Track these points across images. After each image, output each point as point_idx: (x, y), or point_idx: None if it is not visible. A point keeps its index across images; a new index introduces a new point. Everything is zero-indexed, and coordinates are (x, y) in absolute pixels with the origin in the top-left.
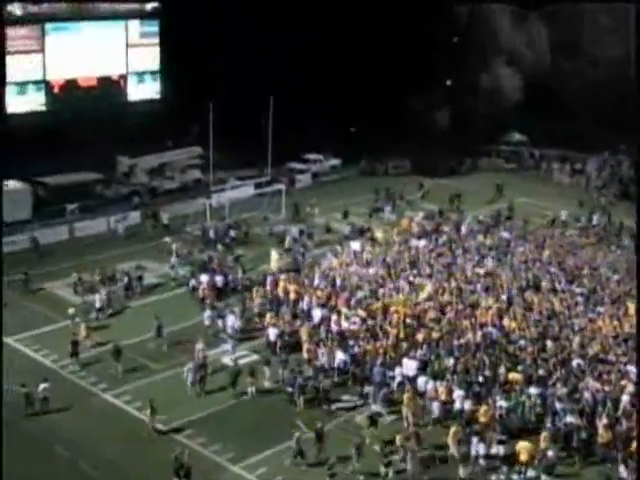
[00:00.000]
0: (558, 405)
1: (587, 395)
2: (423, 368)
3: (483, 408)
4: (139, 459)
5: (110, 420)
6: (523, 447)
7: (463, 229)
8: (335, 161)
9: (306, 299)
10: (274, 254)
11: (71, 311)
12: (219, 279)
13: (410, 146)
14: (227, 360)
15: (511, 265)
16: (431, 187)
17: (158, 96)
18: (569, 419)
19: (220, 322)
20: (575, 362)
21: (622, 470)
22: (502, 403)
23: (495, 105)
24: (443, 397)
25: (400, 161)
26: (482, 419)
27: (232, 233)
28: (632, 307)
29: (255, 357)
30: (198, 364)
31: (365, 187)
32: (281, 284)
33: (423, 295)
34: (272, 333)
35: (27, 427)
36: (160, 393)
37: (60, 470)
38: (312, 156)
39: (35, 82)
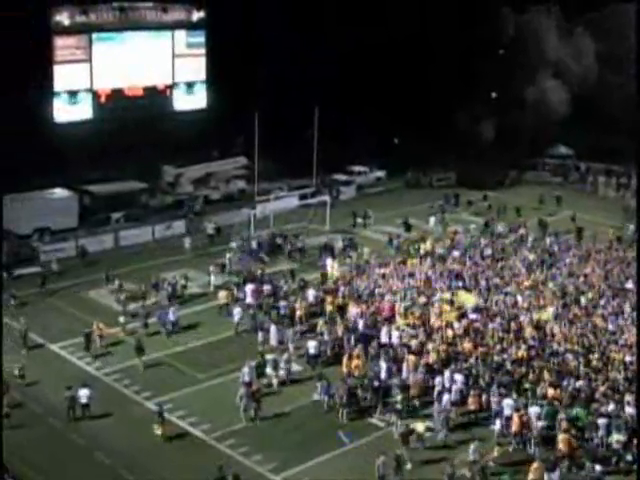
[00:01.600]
0: (602, 421)
1: (630, 411)
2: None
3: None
4: (180, 468)
5: (152, 428)
6: None
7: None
8: (380, 173)
9: (353, 310)
10: (333, 263)
11: (122, 320)
12: (267, 288)
13: (455, 158)
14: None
15: (559, 278)
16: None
17: (204, 106)
18: (616, 437)
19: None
20: (619, 377)
21: None
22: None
23: (541, 118)
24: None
25: (445, 173)
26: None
27: (279, 242)
28: None
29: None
30: (249, 391)
31: (410, 198)
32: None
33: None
34: (312, 346)
35: (69, 433)
36: (204, 402)
37: (100, 478)
38: (357, 168)
39: (82, 91)
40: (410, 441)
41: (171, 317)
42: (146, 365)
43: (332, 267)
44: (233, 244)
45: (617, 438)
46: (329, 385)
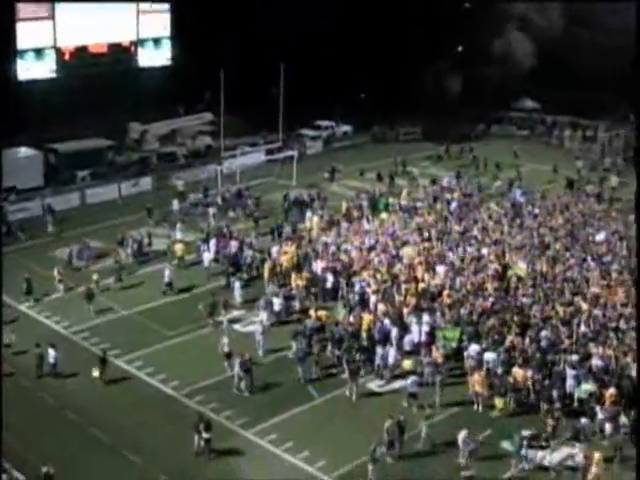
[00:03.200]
0: (570, 372)
1: (596, 362)
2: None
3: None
4: (150, 425)
5: (122, 386)
6: None
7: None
8: (346, 127)
9: (319, 264)
10: (314, 217)
11: (95, 277)
12: (234, 244)
13: (421, 112)
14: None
15: (525, 231)
16: (441, 153)
17: (169, 63)
18: (584, 387)
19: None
20: (585, 329)
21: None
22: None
23: (507, 72)
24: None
25: (411, 127)
26: None
27: (246, 199)
28: None
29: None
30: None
31: (377, 153)
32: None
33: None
34: (276, 303)
35: (38, 392)
36: (173, 359)
37: (70, 435)
38: (323, 122)
39: (46, 49)
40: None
41: (166, 278)
42: (115, 322)
43: (310, 220)
44: (184, 202)
45: (586, 388)
46: (304, 342)
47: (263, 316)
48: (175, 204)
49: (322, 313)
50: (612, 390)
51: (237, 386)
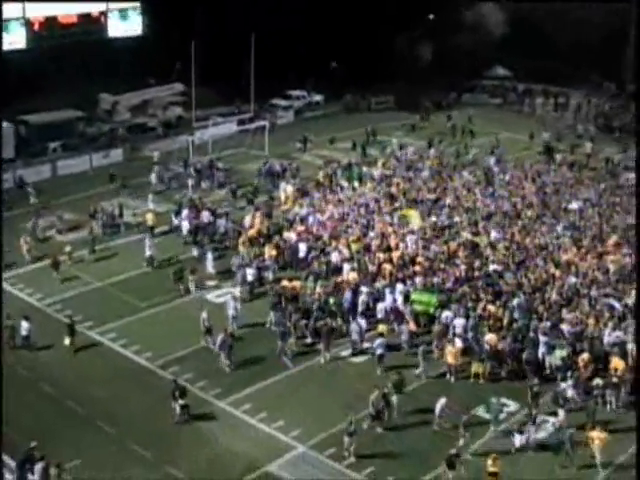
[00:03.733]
0: (542, 338)
1: (567, 328)
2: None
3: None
4: (125, 396)
5: (96, 358)
6: None
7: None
8: (318, 97)
9: (292, 234)
10: (288, 187)
11: (68, 248)
12: (206, 215)
13: (393, 82)
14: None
15: (496, 198)
16: (415, 123)
17: (139, 33)
18: (558, 353)
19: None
20: (556, 295)
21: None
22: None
23: (479, 40)
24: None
25: (383, 97)
26: None
27: (217, 171)
28: (612, 241)
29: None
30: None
31: (349, 123)
32: None
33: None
34: (249, 273)
35: (12, 364)
36: (146, 330)
37: (45, 408)
38: (295, 92)
39: (15, 20)
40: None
41: (148, 251)
42: (89, 294)
43: (285, 191)
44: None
45: (560, 354)
46: (282, 314)
47: (237, 291)
48: (153, 177)
49: (296, 283)
50: (585, 356)
51: (220, 361)
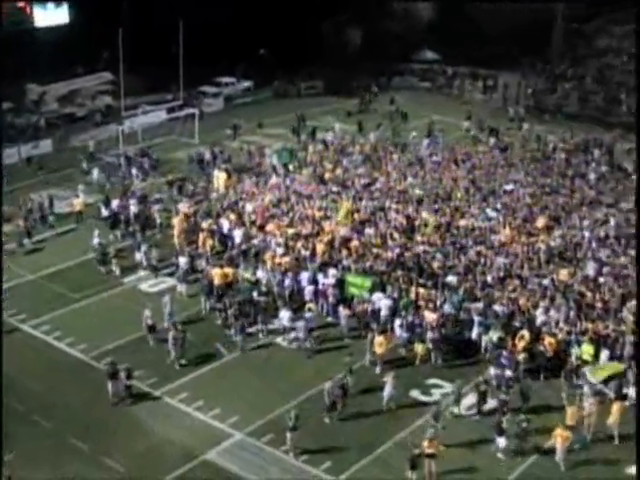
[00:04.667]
0: (476, 318)
1: (499, 309)
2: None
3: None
4: (60, 389)
5: (30, 351)
6: None
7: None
8: (247, 83)
9: (227, 221)
10: (220, 174)
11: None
12: (133, 202)
13: (322, 67)
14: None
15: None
16: (342, 107)
17: (66, 22)
18: (492, 334)
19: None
20: (488, 277)
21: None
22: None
23: (407, 24)
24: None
25: (312, 82)
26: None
27: (148, 160)
28: (542, 222)
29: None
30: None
31: (278, 108)
32: None
33: (341, 214)
34: (182, 262)
35: None
36: (80, 322)
37: None
38: (224, 79)
39: None
40: None
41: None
42: (21, 287)
43: (217, 177)
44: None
45: (493, 335)
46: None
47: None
48: (96, 172)
49: (228, 270)
50: (524, 332)
51: (174, 359)
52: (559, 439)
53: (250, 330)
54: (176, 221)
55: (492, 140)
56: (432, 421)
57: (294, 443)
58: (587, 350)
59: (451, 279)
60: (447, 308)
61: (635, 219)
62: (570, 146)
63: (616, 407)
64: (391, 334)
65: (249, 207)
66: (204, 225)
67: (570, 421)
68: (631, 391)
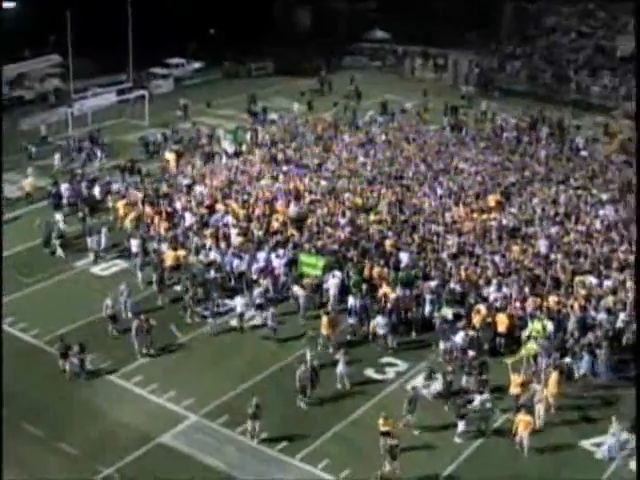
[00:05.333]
0: (428, 297)
1: (453, 286)
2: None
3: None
4: (13, 375)
5: None
6: None
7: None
8: (197, 64)
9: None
10: (171, 155)
11: None
12: (84, 185)
13: (273, 47)
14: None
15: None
16: (293, 88)
17: (12, 5)
18: (445, 311)
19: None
20: (442, 255)
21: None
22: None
23: (356, 4)
24: None
25: (263, 62)
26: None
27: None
28: (493, 200)
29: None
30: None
31: (229, 89)
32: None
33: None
34: (134, 244)
35: None
36: (32, 307)
37: None
38: (174, 60)
39: None
40: None
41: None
42: None
43: (168, 159)
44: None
45: (446, 312)
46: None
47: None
48: (57, 158)
49: (180, 252)
50: (480, 307)
51: (139, 351)
52: (521, 425)
53: (205, 313)
54: (120, 204)
55: (445, 119)
56: (408, 407)
57: (256, 431)
58: (536, 327)
59: (404, 257)
60: (399, 291)
61: (635, 218)
62: (524, 124)
63: (553, 377)
64: (336, 314)
65: (200, 188)
66: (158, 207)
67: (514, 388)
68: (568, 359)
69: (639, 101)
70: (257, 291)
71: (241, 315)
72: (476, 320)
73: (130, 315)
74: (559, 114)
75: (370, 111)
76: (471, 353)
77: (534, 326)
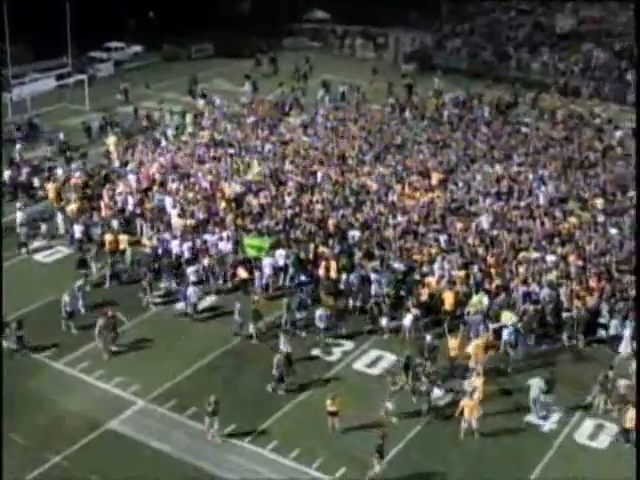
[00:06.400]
0: (373, 276)
1: (397, 265)
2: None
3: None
4: None
5: None
6: None
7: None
8: (137, 48)
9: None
10: (112, 139)
11: None
12: (25, 171)
13: (213, 30)
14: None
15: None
16: (233, 69)
17: None
18: (387, 290)
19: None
20: (385, 234)
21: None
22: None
23: None
24: None
25: (203, 45)
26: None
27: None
28: (436, 177)
29: None
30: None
31: (169, 72)
32: None
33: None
34: (77, 230)
35: None
36: None
37: None
38: (113, 44)
39: None
40: None
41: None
42: None
43: (109, 143)
44: None
45: (389, 290)
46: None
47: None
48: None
49: (122, 237)
50: (430, 279)
51: (105, 348)
52: (466, 410)
53: (157, 300)
54: (50, 186)
55: (391, 100)
56: (389, 398)
57: (214, 428)
58: (478, 299)
59: (351, 235)
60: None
61: (635, 216)
62: (470, 102)
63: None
64: (263, 293)
65: (142, 172)
66: (100, 192)
67: (453, 351)
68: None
69: (638, 98)
70: (191, 269)
71: (194, 305)
72: (423, 293)
73: (83, 311)
74: (500, 91)
75: (320, 91)
76: (429, 337)
77: (475, 299)
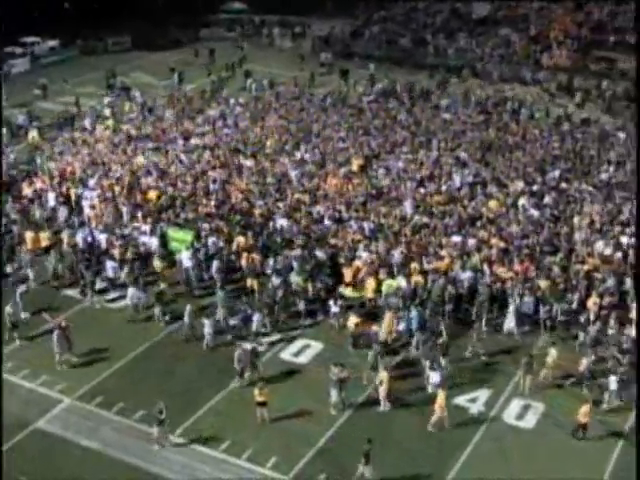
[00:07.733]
0: (295, 264)
1: (320, 253)
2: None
3: None
4: None
5: None
6: None
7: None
8: (53, 42)
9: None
10: (32, 132)
11: None
12: None
13: (130, 21)
14: None
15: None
16: (152, 62)
17: None
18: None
19: None
20: (307, 221)
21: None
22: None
23: None
24: None
25: (120, 37)
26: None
27: None
28: (356, 164)
29: None
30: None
31: (86, 66)
32: None
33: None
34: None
35: None
36: None
37: None
38: (29, 39)
39: None
40: None
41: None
42: None
43: (32, 137)
44: None
45: (299, 279)
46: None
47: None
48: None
49: (43, 235)
50: (358, 263)
51: (59, 360)
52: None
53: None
54: None
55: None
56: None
57: (161, 436)
58: (391, 283)
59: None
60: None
61: (636, 215)
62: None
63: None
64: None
65: (62, 167)
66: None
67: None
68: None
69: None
70: (110, 264)
71: (135, 306)
72: (348, 273)
73: (24, 316)
74: (417, 77)
75: (249, 80)
76: (374, 328)
77: (386, 282)
